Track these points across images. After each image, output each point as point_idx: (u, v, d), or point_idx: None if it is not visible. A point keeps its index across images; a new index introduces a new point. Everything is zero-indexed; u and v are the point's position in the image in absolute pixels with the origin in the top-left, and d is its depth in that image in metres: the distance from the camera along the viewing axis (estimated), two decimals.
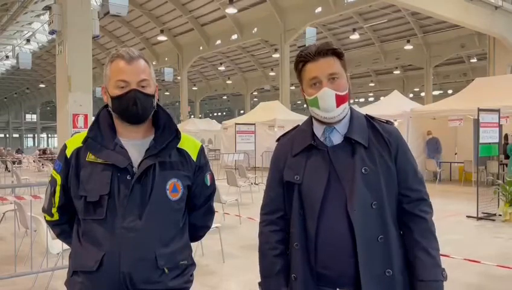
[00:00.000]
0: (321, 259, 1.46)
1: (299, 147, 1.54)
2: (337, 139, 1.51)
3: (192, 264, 1.62)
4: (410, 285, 1.48)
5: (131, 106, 1.49)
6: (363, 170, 1.44)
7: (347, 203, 1.43)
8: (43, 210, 1.65)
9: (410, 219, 1.50)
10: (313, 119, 1.57)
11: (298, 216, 1.49)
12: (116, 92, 1.51)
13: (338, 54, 1.49)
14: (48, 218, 1.65)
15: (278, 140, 1.68)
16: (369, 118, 1.57)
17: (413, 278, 1.47)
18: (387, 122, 1.59)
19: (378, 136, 1.51)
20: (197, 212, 1.69)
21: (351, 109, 1.56)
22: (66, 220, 1.62)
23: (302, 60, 1.50)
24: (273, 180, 1.61)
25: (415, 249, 1.48)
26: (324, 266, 1.46)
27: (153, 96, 1.56)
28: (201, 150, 1.65)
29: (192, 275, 1.62)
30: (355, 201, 1.42)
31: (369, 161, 1.46)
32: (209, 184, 1.68)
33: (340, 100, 1.46)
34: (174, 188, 1.53)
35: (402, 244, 1.51)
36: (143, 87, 1.52)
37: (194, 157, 1.61)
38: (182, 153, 1.59)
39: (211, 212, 1.76)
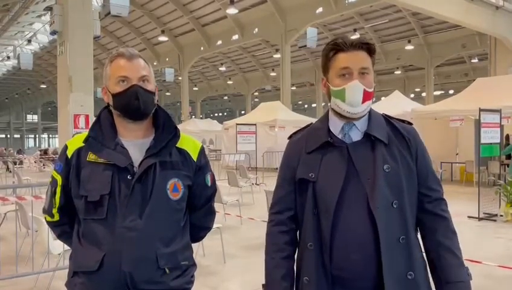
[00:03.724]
0: (337, 260, 1.39)
1: (314, 144, 1.49)
2: (356, 136, 1.46)
3: (193, 265, 1.62)
4: (436, 287, 1.45)
5: (133, 101, 1.49)
6: (385, 168, 1.39)
7: (369, 202, 1.37)
8: (44, 211, 1.64)
9: (432, 219, 1.48)
10: (331, 115, 1.52)
11: (312, 216, 1.43)
12: (117, 89, 1.51)
13: (371, 51, 1.46)
14: (49, 219, 1.64)
15: (289, 137, 1.63)
16: (387, 117, 1.54)
17: (437, 279, 1.44)
18: (405, 122, 1.56)
19: (397, 134, 1.48)
20: (198, 213, 1.68)
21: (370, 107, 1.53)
22: (66, 221, 1.62)
23: (335, 48, 1.44)
24: (284, 178, 1.55)
25: (440, 249, 1.44)
26: (340, 267, 1.39)
27: (154, 93, 1.57)
28: (202, 150, 1.65)
29: (193, 276, 1.62)
30: (378, 200, 1.36)
31: (391, 159, 1.42)
32: (209, 184, 1.68)
33: (366, 96, 1.42)
34: (175, 188, 1.53)
35: (419, 245, 1.48)
36: (143, 82, 1.53)
37: (194, 157, 1.61)
38: (182, 153, 1.59)
39: (211, 213, 1.76)
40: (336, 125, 1.49)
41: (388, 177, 1.39)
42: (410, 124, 1.57)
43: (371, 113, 1.50)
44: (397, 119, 1.56)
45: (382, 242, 1.35)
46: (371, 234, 1.36)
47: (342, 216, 1.39)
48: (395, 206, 1.39)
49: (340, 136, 1.47)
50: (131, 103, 1.50)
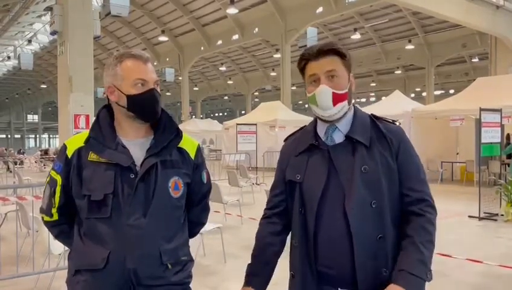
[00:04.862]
0: (321, 257, 1.48)
1: (301, 147, 1.58)
2: (339, 138, 1.53)
3: (191, 260, 1.66)
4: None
5: (153, 104, 1.55)
6: (362, 169, 1.44)
7: (345, 202, 1.43)
8: (42, 211, 1.65)
9: (409, 216, 1.48)
10: (317, 119, 1.60)
11: (299, 214, 1.52)
12: (134, 91, 1.53)
13: (340, 54, 1.50)
14: (47, 219, 1.64)
15: (285, 140, 1.72)
16: (373, 118, 1.57)
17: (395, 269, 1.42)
18: (393, 122, 1.59)
19: (380, 136, 1.51)
20: (195, 209, 1.73)
21: (355, 109, 1.58)
22: (65, 221, 1.63)
23: (305, 58, 1.52)
24: (277, 179, 1.66)
25: (405, 241, 1.44)
26: (324, 264, 1.47)
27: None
28: (199, 148, 1.70)
29: (191, 271, 1.65)
30: (354, 200, 1.42)
31: (370, 160, 1.46)
32: (205, 181, 1.73)
33: (337, 98, 1.48)
34: (176, 186, 1.57)
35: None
36: (157, 86, 1.58)
37: (192, 155, 1.66)
38: (182, 152, 1.63)
39: (207, 209, 1.81)
40: (321, 128, 1.57)
41: (366, 178, 1.44)
42: (398, 123, 1.61)
43: (356, 115, 1.56)
44: (385, 119, 1.58)
45: (355, 241, 1.41)
46: (348, 233, 1.43)
47: (324, 215, 1.47)
48: (373, 206, 1.43)
49: (324, 139, 1.54)
50: (151, 106, 1.55)
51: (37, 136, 65.41)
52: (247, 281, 1.60)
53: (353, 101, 1.59)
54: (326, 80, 1.47)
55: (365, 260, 1.41)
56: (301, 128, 1.68)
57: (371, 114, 1.59)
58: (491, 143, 8.00)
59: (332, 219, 1.45)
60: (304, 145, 1.56)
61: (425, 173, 1.56)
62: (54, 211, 1.60)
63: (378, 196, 1.44)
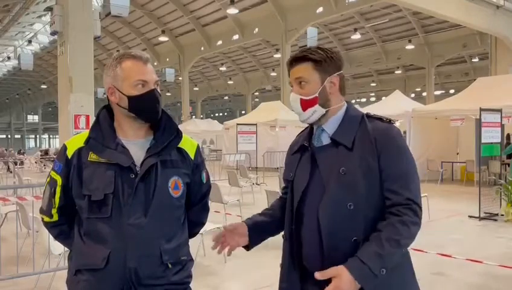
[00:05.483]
0: (305, 255, 1.52)
1: (296, 146, 1.65)
2: (326, 139, 1.55)
3: (191, 260, 1.67)
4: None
5: (154, 105, 1.56)
6: (340, 171, 1.44)
7: (320, 203, 1.46)
8: (41, 211, 1.65)
9: (387, 216, 1.42)
10: None
11: (290, 210, 1.58)
12: (134, 92, 1.53)
13: (314, 60, 1.51)
14: (47, 219, 1.64)
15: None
16: (365, 117, 1.53)
17: None
18: (390, 121, 1.53)
19: (365, 137, 1.47)
20: (194, 209, 1.73)
21: (348, 109, 1.56)
22: (65, 221, 1.63)
23: (288, 67, 1.59)
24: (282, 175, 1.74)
25: (372, 235, 1.38)
26: (306, 261, 1.52)
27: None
28: (198, 148, 1.71)
29: (191, 271, 1.66)
30: (328, 201, 1.44)
31: (349, 162, 1.44)
32: (205, 181, 1.74)
33: (305, 104, 1.53)
34: (176, 186, 1.58)
35: None
36: (157, 86, 1.59)
37: (192, 155, 1.67)
38: (181, 152, 1.64)
39: (206, 209, 1.82)
40: (314, 130, 1.61)
41: (344, 179, 1.44)
42: (392, 122, 1.54)
43: (346, 116, 1.55)
44: (379, 118, 1.53)
45: (325, 242, 1.43)
46: (320, 233, 1.46)
47: (305, 214, 1.52)
48: (350, 208, 1.42)
49: (313, 140, 1.59)
50: (153, 106, 1.56)
51: (37, 136, 65.44)
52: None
53: (342, 102, 1.57)
54: (297, 87, 1.54)
55: (337, 262, 1.36)
56: (306, 128, 1.71)
57: (366, 113, 1.56)
58: (491, 143, 8.00)
59: (310, 219, 1.48)
60: (298, 145, 1.63)
61: (417, 175, 1.48)
62: (54, 211, 1.61)
63: (355, 198, 1.41)
